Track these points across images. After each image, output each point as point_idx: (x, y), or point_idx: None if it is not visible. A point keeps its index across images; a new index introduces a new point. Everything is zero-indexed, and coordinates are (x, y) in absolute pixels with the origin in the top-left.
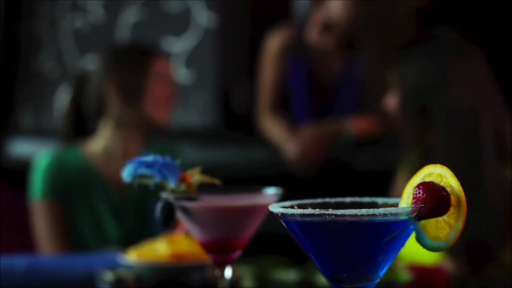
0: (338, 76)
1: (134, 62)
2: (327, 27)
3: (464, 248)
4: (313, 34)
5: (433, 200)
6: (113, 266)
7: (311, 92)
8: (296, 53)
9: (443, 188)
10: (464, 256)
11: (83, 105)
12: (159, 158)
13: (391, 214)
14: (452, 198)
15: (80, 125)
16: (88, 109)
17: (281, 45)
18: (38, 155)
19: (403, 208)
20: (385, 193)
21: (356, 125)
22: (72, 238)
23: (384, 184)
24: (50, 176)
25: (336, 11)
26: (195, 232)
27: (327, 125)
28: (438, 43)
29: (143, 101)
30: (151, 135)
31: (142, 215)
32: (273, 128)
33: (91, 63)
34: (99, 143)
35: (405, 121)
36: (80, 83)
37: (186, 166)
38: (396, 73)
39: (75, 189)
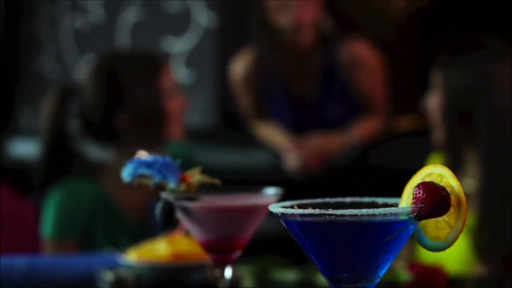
0: (317, 88)
1: (141, 86)
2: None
3: (501, 256)
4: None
5: (433, 200)
6: (113, 266)
7: (290, 108)
8: (266, 73)
9: (443, 188)
10: (500, 264)
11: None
12: (159, 158)
13: (391, 214)
14: (452, 198)
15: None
16: (98, 136)
17: (248, 68)
18: (51, 191)
19: (403, 208)
20: (389, 192)
21: (359, 133)
22: None
23: (386, 184)
24: (64, 216)
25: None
26: (195, 232)
27: (331, 136)
28: (483, 48)
29: (160, 124)
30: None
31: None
32: (271, 135)
33: (89, 79)
34: (116, 171)
35: (446, 123)
36: (66, 101)
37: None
38: (440, 75)
39: (95, 227)
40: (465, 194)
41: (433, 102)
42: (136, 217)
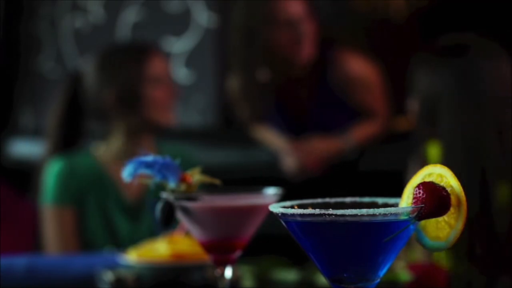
0: (312, 102)
1: (129, 69)
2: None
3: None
4: (276, 35)
5: (433, 200)
6: (113, 266)
7: (287, 119)
8: (261, 91)
9: (443, 188)
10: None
11: (82, 109)
12: (159, 158)
13: (391, 214)
14: (452, 198)
15: (75, 130)
16: (89, 114)
17: (241, 86)
18: (51, 160)
19: (403, 208)
20: (389, 193)
21: (356, 136)
22: (84, 242)
23: (387, 184)
24: (62, 182)
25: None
26: (195, 232)
27: (329, 139)
28: (461, 49)
29: (144, 108)
30: (160, 135)
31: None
32: (269, 137)
33: (89, 64)
34: (109, 147)
35: (417, 125)
36: (74, 86)
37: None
38: (415, 77)
39: (88, 195)
40: None
41: (413, 103)
42: (131, 195)
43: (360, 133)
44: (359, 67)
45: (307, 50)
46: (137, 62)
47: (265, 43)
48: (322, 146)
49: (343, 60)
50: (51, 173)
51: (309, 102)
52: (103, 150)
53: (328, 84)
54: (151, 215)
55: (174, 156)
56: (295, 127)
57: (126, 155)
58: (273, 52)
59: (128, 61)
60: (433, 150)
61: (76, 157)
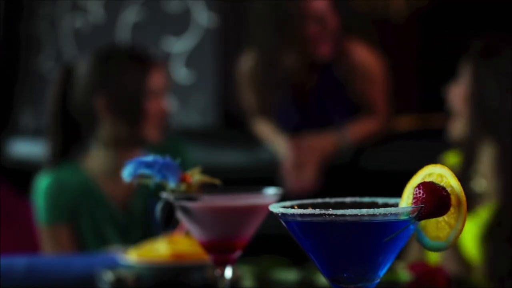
0: (318, 89)
1: (129, 77)
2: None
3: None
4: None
5: (433, 200)
6: (113, 266)
7: (290, 108)
8: (271, 74)
9: (443, 188)
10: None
11: (71, 109)
12: (159, 158)
13: (391, 214)
14: (452, 198)
15: (70, 130)
16: (77, 116)
17: (252, 68)
18: (38, 177)
19: (403, 208)
20: (389, 193)
21: (352, 132)
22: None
23: (387, 184)
24: (52, 200)
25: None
26: (195, 232)
27: (324, 135)
28: None
29: (136, 119)
30: (143, 148)
31: (146, 231)
32: (269, 133)
33: (85, 61)
34: (96, 159)
35: (468, 118)
36: (66, 81)
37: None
38: (470, 70)
39: (78, 209)
40: (476, 194)
41: (458, 91)
42: (120, 205)
43: (357, 129)
44: (364, 56)
45: (329, 44)
46: (139, 72)
47: (294, 35)
48: (318, 145)
49: (350, 48)
50: (40, 191)
51: (313, 89)
52: (90, 161)
53: (333, 72)
54: (140, 229)
55: (163, 145)
56: (299, 119)
57: (113, 166)
58: (299, 44)
59: (129, 68)
60: (451, 159)
61: (63, 171)
